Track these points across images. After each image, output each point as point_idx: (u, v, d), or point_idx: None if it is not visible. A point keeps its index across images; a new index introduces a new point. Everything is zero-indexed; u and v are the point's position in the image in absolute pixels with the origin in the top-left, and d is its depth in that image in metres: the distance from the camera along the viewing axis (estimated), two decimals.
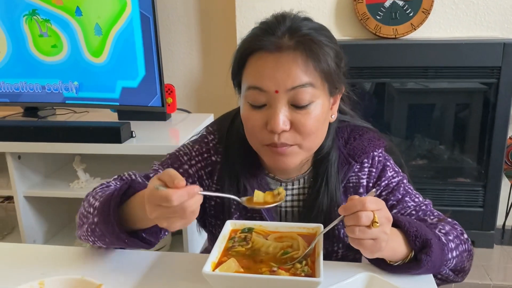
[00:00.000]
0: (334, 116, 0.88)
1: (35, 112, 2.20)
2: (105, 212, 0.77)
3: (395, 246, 0.76)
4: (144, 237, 0.81)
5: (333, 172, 0.89)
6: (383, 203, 0.71)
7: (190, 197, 0.67)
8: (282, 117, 0.77)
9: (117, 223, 0.76)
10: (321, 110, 0.80)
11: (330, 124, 0.88)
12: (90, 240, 0.84)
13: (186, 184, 0.68)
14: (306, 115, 0.78)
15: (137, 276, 0.81)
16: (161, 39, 1.92)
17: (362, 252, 0.72)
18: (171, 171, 0.68)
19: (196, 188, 0.68)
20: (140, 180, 0.90)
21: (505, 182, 2.29)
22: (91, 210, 0.82)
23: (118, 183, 0.92)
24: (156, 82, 1.94)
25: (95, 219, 0.79)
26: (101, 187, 0.90)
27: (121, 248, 0.87)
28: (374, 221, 0.67)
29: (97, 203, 0.81)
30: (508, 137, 2.19)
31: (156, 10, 1.85)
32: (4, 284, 0.78)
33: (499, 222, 2.32)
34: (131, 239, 0.78)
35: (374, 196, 0.72)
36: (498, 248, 2.25)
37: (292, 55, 0.76)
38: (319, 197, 0.88)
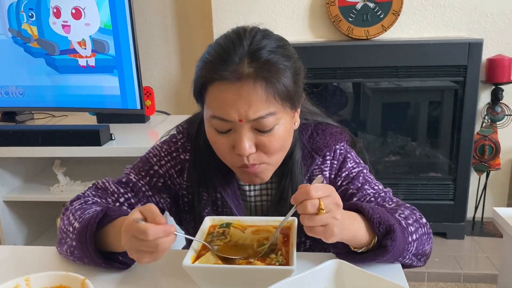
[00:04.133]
0: (297, 124, 0.90)
1: (13, 116, 2.19)
2: (82, 239, 0.80)
3: (354, 230, 0.77)
4: (120, 260, 0.83)
5: (297, 168, 0.92)
6: (332, 188, 0.72)
7: (165, 235, 0.70)
8: (248, 142, 0.80)
9: (93, 250, 0.79)
10: (285, 128, 0.83)
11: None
12: (70, 259, 0.87)
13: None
14: (271, 137, 0.81)
15: (121, 272, 0.84)
16: (138, 42, 1.95)
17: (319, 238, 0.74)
18: (153, 207, 0.71)
19: (173, 228, 0.71)
20: (115, 188, 0.93)
21: (474, 176, 2.38)
22: (71, 229, 0.85)
23: (93, 192, 0.94)
24: (134, 85, 1.96)
25: (74, 243, 0.82)
26: (78, 201, 0.91)
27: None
28: (320, 208, 0.68)
29: (76, 224, 0.83)
30: (475, 133, 2.29)
31: (133, 13, 1.88)
32: None
33: (470, 214, 2.42)
34: (108, 261, 0.81)
35: (322, 182, 0.74)
36: (468, 239, 2.35)
37: (252, 85, 0.77)
38: (284, 192, 0.92)
